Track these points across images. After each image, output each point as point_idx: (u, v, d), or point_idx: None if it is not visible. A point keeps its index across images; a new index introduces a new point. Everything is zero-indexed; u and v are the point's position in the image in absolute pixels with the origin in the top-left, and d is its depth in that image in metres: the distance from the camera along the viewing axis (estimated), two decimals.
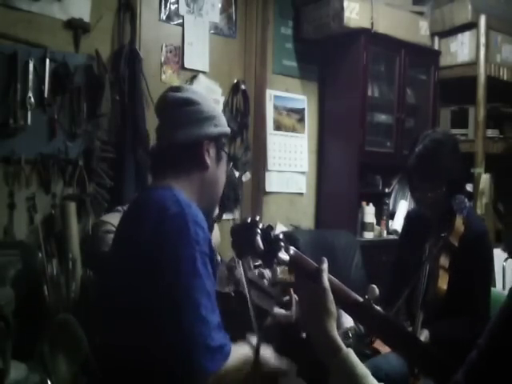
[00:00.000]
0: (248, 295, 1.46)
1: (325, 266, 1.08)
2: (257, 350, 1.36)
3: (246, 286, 1.50)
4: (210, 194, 1.47)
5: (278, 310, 1.64)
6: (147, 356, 1.23)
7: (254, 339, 1.39)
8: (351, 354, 1.00)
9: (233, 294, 1.88)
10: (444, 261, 1.90)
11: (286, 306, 1.66)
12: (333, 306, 1.04)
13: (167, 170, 1.43)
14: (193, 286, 1.20)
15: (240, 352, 1.32)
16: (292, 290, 1.65)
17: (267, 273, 2.15)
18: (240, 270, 1.66)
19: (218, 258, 2.13)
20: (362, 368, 0.98)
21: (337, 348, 1.01)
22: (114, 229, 1.99)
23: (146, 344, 1.23)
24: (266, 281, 2.20)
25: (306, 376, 1.60)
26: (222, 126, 1.50)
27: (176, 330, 1.19)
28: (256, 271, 2.01)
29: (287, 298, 1.68)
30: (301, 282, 1.10)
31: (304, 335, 1.37)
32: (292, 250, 1.11)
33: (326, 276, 1.07)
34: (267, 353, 1.42)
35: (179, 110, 1.44)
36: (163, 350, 1.20)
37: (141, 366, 1.24)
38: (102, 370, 1.35)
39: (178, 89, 1.51)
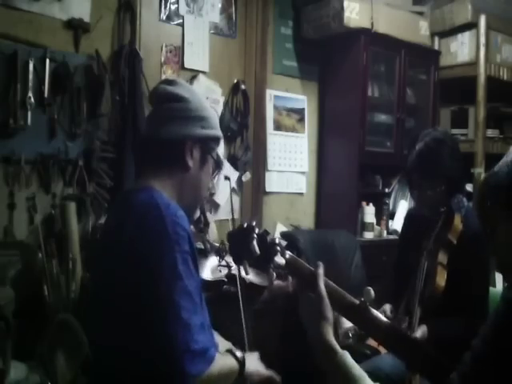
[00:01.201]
0: (239, 290, 1.47)
1: (320, 270, 1.09)
2: (241, 362, 1.35)
3: (243, 319, 1.50)
4: (190, 195, 1.42)
5: (275, 282, 1.64)
6: (132, 358, 1.23)
7: (238, 352, 1.37)
8: (347, 357, 1.01)
9: (225, 280, 1.90)
10: (442, 258, 1.91)
11: (282, 277, 1.66)
12: (328, 312, 1.06)
13: (149, 167, 1.40)
14: (173, 290, 1.19)
15: (225, 362, 1.31)
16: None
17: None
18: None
19: (208, 246, 2.14)
20: (358, 370, 0.99)
21: (332, 352, 1.02)
22: None
23: (131, 346, 1.23)
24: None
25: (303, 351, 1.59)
26: (211, 128, 1.43)
27: (158, 334, 1.18)
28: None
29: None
30: (298, 286, 1.11)
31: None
32: (288, 254, 1.12)
33: (321, 281, 1.08)
34: (252, 362, 1.40)
35: (166, 104, 1.40)
36: (146, 353, 1.20)
37: (126, 367, 1.24)
38: (96, 370, 1.35)
39: (170, 82, 1.45)
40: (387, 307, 2.11)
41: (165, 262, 1.21)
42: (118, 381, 1.26)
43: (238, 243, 1.11)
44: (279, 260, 1.09)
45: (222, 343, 1.52)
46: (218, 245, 2.14)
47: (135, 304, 1.22)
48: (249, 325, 1.50)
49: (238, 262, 1.40)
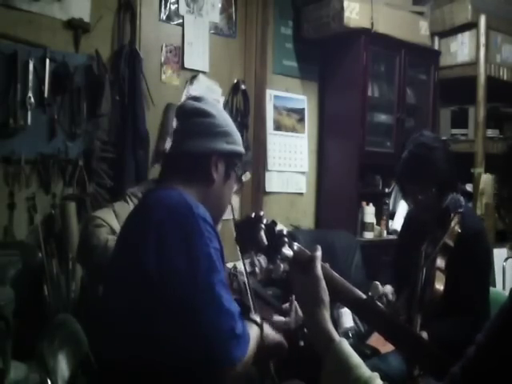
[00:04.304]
0: (251, 303, 1.47)
1: (318, 253, 1.08)
2: (261, 327, 1.39)
3: (250, 295, 1.50)
4: (213, 207, 1.45)
5: (277, 318, 1.65)
6: (172, 359, 1.23)
7: (256, 316, 1.41)
8: (344, 344, 0.99)
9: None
10: (441, 262, 1.90)
11: (286, 313, 1.67)
12: (325, 295, 1.03)
13: (175, 177, 1.43)
14: (212, 282, 1.23)
15: (253, 332, 1.35)
16: (294, 298, 1.65)
17: (261, 260, 2.16)
18: (243, 279, 1.66)
19: None
20: (355, 358, 0.98)
21: (329, 338, 1.00)
22: (103, 223, 1.99)
23: (170, 346, 1.24)
24: (257, 269, 2.21)
25: (305, 380, 1.60)
26: (235, 144, 1.48)
27: (204, 327, 1.20)
28: (247, 261, 2.02)
29: (287, 305, 1.69)
30: (294, 271, 1.09)
31: (302, 343, 1.38)
32: (296, 245, 1.10)
33: (318, 263, 1.06)
34: (265, 327, 1.45)
35: (193, 119, 1.45)
36: (190, 350, 1.21)
37: (166, 369, 1.24)
38: (109, 375, 1.34)
39: (197, 99, 1.51)
40: (388, 289, 2.09)
41: (201, 257, 1.24)
42: (154, 377, 1.25)
43: (245, 233, 1.10)
44: (287, 251, 1.08)
45: None
46: (230, 268, 2.12)
47: (173, 299, 1.23)
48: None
49: (244, 253, 1.40)
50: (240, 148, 1.51)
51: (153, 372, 1.24)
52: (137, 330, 1.27)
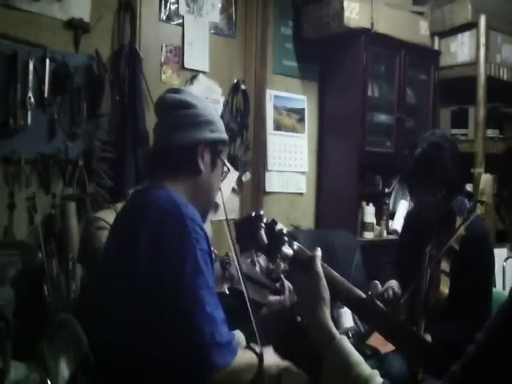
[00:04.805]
0: (246, 293, 1.47)
1: (318, 253, 1.08)
2: (260, 356, 1.38)
3: (243, 283, 1.50)
4: (203, 197, 1.46)
5: (272, 298, 1.66)
6: (155, 357, 1.24)
7: (256, 346, 1.40)
8: (344, 342, 0.99)
9: (227, 292, 1.90)
10: (445, 265, 1.90)
11: (279, 292, 1.68)
12: (325, 292, 1.04)
13: (162, 172, 1.43)
14: (197, 285, 1.22)
15: (245, 356, 1.35)
16: (283, 276, 1.67)
17: (261, 261, 2.17)
18: (235, 266, 1.66)
19: (215, 251, 2.14)
20: (356, 355, 0.98)
21: (330, 336, 1.00)
22: (106, 225, 1.99)
23: (153, 345, 1.24)
24: (257, 268, 2.21)
25: (303, 362, 1.60)
26: (219, 132, 1.48)
27: (184, 330, 1.21)
28: (248, 260, 2.04)
29: (279, 284, 1.70)
30: (294, 270, 1.10)
31: (299, 318, 1.38)
32: (296, 244, 1.10)
33: (318, 262, 1.06)
34: (269, 356, 1.44)
35: (175, 112, 1.44)
36: (172, 350, 1.22)
37: (148, 367, 1.24)
38: (102, 372, 1.35)
39: (176, 90, 1.51)
40: (394, 283, 2.07)
41: (187, 258, 1.24)
42: (139, 378, 1.26)
43: (245, 232, 1.10)
44: (287, 250, 1.08)
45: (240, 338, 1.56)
46: (222, 256, 2.13)
47: (157, 300, 1.23)
48: (257, 321, 1.51)
49: (244, 251, 1.40)
50: (224, 135, 1.50)
51: (144, 369, 1.25)
52: (130, 327, 1.27)
